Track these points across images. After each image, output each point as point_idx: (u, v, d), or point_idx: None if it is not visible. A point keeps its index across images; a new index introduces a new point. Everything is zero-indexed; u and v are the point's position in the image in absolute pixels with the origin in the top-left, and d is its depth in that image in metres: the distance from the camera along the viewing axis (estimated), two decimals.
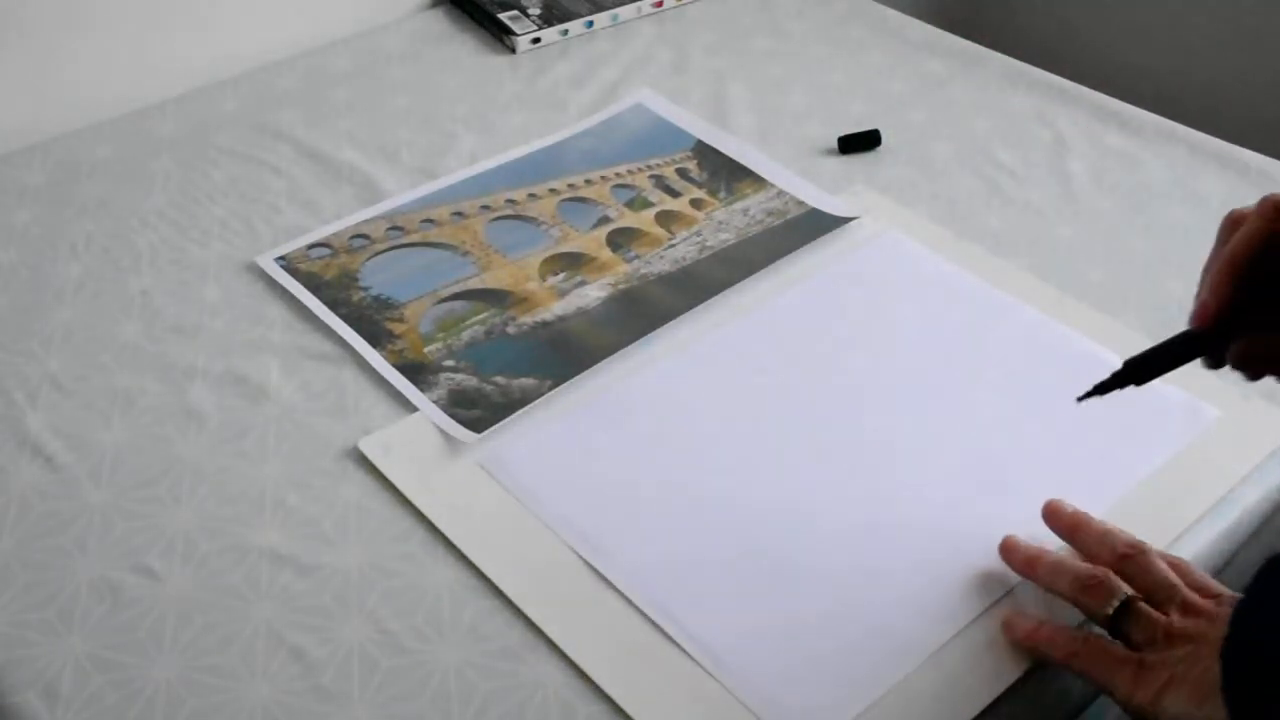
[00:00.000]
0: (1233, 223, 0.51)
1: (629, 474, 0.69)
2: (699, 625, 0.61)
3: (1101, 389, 0.53)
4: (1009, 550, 0.62)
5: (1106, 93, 1.00)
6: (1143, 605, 0.57)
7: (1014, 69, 1.04)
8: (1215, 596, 0.57)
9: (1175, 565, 0.59)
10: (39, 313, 0.81)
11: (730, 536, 0.65)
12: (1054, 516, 0.63)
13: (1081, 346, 0.76)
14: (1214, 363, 0.53)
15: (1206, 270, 0.53)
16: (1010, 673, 0.59)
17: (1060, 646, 0.57)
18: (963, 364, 0.75)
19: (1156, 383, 0.71)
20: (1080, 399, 0.54)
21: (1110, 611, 0.57)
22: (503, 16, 1.10)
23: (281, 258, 0.85)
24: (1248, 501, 0.67)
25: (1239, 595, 0.51)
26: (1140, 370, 0.53)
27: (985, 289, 0.81)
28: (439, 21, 1.13)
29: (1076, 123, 0.97)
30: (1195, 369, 0.55)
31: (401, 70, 1.06)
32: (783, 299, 0.81)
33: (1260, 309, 0.50)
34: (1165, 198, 0.89)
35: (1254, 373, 0.53)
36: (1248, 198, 0.88)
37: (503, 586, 0.63)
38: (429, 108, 1.01)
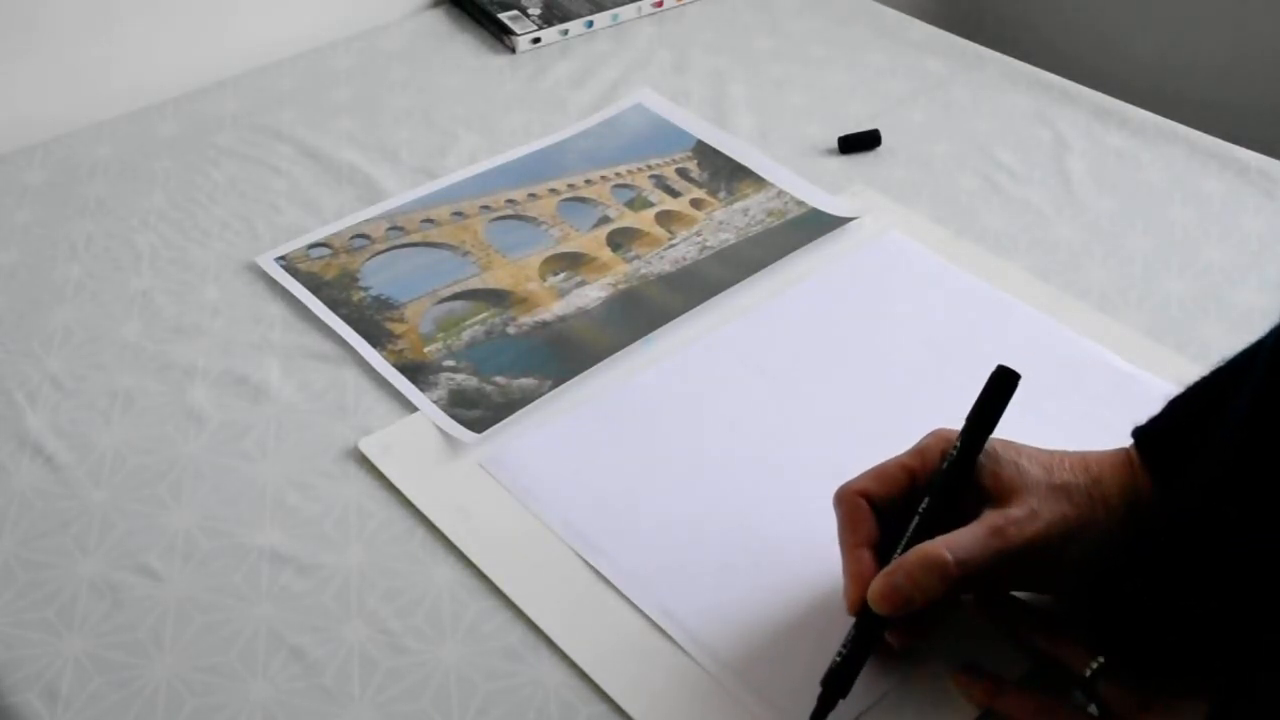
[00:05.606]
0: (843, 503, 0.57)
1: (629, 474, 0.69)
2: (699, 625, 0.61)
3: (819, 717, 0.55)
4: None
5: (1106, 93, 1.00)
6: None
7: (1014, 69, 1.04)
8: None
9: None
10: (39, 313, 0.81)
11: (731, 537, 0.65)
12: None
13: (1081, 346, 0.76)
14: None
15: (842, 550, 0.57)
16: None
17: (1028, 714, 0.55)
18: (962, 364, 0.75)
19: (1155, 380, 0.72)
20: None
21: (1088, 673, 0.54)
22: (503, 16, 1.10)
23: (281, 258, 0.85)
24: None
25: None
26: (841, 681, 0.55)
27: (985, 289, 0.81)
28: (439, 21, 1.13)
29: (1076, 123, 0.97)
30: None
31: (401, 70, 1.06)
32: (783, 299, 0.81)
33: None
34: (1165, 198, 0.89)
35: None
36: (1248, 198, 0.89)
37: (503, 586, 0.63)
38: (429, 108, 1.01)
